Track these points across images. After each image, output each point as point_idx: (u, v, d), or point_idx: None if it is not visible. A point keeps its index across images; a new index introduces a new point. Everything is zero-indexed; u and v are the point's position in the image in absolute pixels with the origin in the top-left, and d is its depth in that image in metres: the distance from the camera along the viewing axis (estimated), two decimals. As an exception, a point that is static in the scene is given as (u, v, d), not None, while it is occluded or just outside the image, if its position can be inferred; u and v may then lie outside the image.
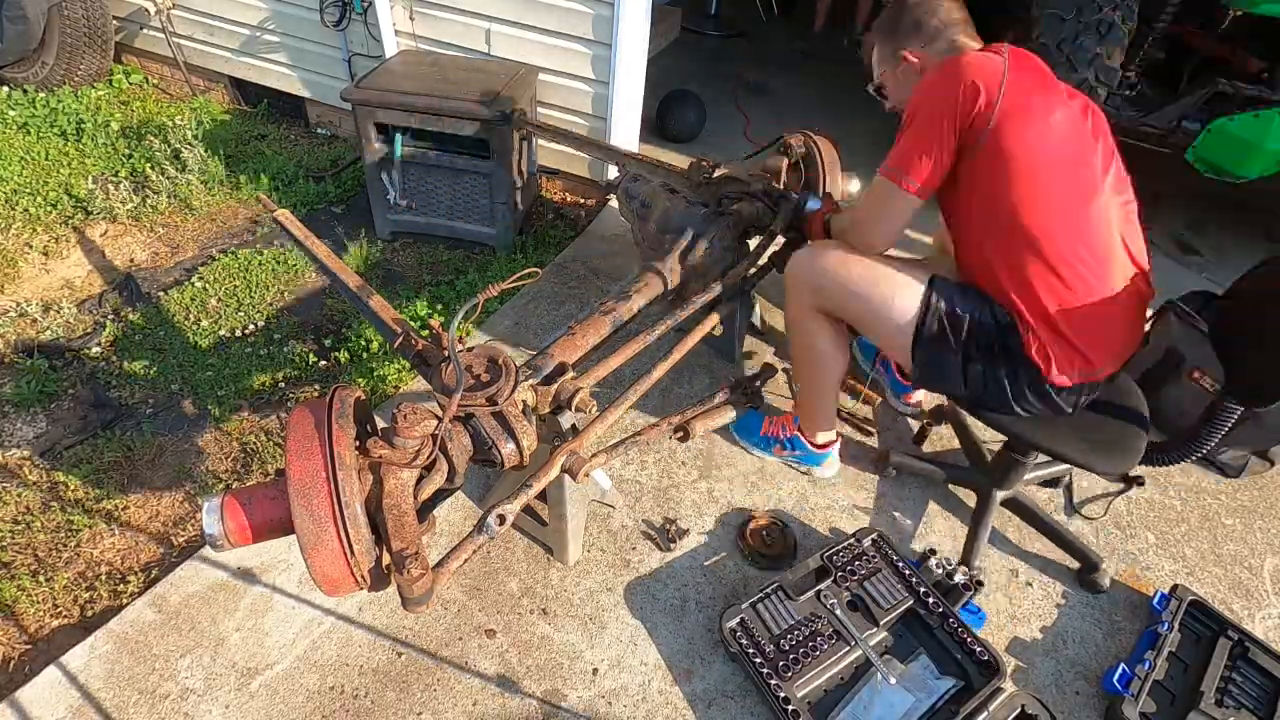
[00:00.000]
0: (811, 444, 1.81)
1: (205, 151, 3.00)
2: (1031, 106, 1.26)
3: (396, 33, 2.84)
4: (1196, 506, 1.92)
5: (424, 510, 1.09)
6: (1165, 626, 1.52)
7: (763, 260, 1.93)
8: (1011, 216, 1.29)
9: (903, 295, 1.42)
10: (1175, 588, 1.60)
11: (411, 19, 2.81)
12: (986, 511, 1.71)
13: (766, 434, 1.89)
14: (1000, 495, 1.73)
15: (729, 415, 1.71)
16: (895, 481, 1.89)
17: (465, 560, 1.12)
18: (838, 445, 1.83)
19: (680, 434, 1.59)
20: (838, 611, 1.49)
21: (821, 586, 1.53)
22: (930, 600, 1.51)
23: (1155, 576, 1.73)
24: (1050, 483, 1.92)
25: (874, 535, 1.63)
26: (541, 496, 1.52)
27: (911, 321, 1.41)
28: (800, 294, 1.57)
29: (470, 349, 1.23)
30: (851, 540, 1.62)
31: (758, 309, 2.24)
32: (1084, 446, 1.41)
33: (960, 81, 1.26)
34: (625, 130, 2.80)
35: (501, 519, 1.14)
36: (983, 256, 1.38)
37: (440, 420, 1.06)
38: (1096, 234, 1.31)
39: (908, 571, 1.56)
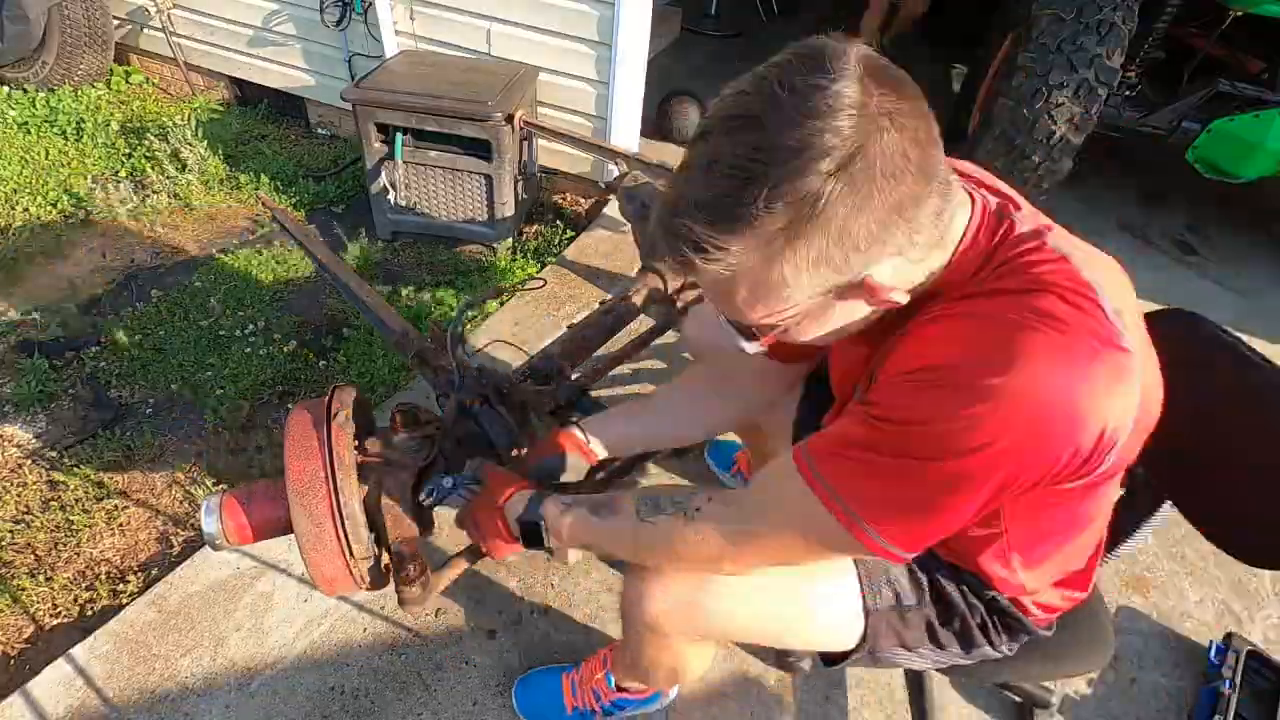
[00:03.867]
0: (645, 690, 1.29)
1: (205, 151, 3.00)
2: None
3: (397, 32, 2.84)
4: (1196, 507, 1.92)
5: (423, 510, 1.09)
6: (1228, 685, 1.43)
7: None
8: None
9: (830, 608, 0.94)
10: (1230, 637, 1.53)
11: (412, 19, 2.81)
12: (921, 688, 1.32)
13: (577, 708, 1.31)
14: None
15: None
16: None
17: (464, 570, 1.13)
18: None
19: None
20: None
21: None
22: None
23: (1156, 577, 1.73)
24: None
25: None
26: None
27: (856, 632, 0.94)
28: (672, 641, 0.99)
29: (470, 349, 1.23)
30: None
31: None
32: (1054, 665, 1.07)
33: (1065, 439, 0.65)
34: (625, 130, 2.80)
35: None
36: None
37: (440, 420, 1.06)
38: None
39: None
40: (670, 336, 2.21)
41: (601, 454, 1.16)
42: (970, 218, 0.73)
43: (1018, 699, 1.43)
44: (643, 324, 1.75)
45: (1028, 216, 0.75)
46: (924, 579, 0.95)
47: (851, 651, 0.95)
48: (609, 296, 1.66)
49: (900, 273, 0.68)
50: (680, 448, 1.77)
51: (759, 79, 0.62)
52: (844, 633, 0.94)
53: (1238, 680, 1.46)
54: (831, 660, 0.98)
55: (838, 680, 1.47)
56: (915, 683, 1.33)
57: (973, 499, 0.68)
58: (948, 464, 0.66)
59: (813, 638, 0.96)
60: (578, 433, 1.14)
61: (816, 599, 0.93)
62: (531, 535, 0.95)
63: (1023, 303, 0.66)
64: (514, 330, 2.29)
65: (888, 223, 0.61)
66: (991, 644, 0.96)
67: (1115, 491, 0.88)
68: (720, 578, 0.89)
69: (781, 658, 1.40)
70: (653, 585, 0.91)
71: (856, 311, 0.72)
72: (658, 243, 0.68)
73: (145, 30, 3.51)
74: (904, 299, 0.69)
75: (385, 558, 1.01)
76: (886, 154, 0.59)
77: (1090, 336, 0.65)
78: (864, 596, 0.93)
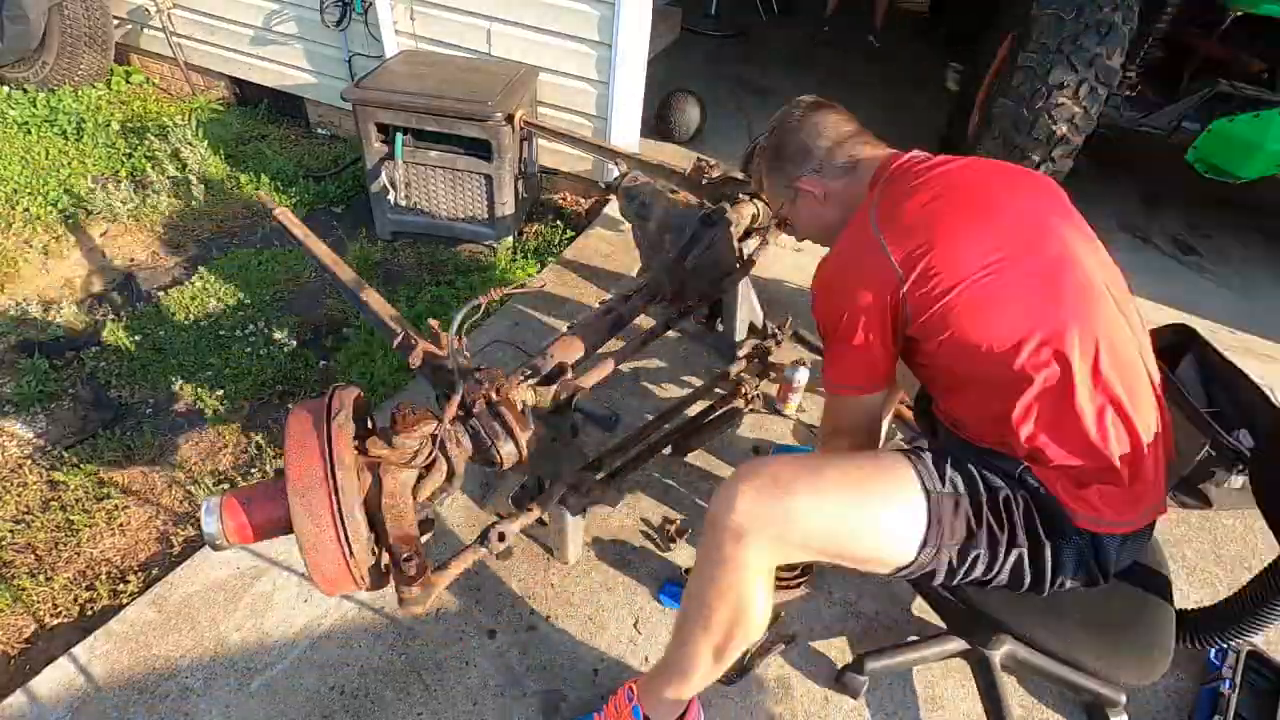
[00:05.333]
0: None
1: (205, 151, 3.00)
2: (962, 255, 1.03)
3: (397, 32, 2.84)
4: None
5: (423, 510, 1.09)
6: (1228, 685, 1.43)
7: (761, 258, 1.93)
8: (996, 366, 1.03)
9: (897, 503, 1.02)
10: None
11: (412, 19, 2.81)
12: (993, 682, 1.35)
13: None
14: (998, 655, 1.37)
15: (730, 423, 1.72)
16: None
17: (464, 570, 1.13)
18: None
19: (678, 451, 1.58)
20: None
21: None
22: None
23: (1155, 577, 1.73)
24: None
25: None
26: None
27: (918, 535, 1.02)
28: (749, 547, 1.00)
29: (470, 349, 1.23)
30: None
31: (758, 309, 2.23)
32: (1103, 650, 1.09)
33: (859, 292, 1.08)
34: (625, 130, 2.80)
35: (502, 536, 1.16)
36: (977, 412, 1.11)
37: (440, 420, 1.06)
38: (1112, 347, 1.03)
39: None
40: (670, 336, 2.21)
41: None
42: (875, 173, 1.22)
43: (1086, 698, 1.45)
44: (643, 324, 1.75)
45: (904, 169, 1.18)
46: (974, 471, 1.05)
47: (920, 548, 1.01)
48: (609, 296, 1.66)
49: (829, 189, 1.27)
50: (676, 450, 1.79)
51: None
52: (909, 529, 1.01)
53: (1238, 680, 1.45)
54: (901, 572, 1.06)
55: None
56: (988, 684, 1.36)
57: (845, 333, 1.11)
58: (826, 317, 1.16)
59: (880, 537, 1.02)
60: None
61: (882, 496, 1.03)
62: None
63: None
64: (514, 330, 2.29)
65: (800, 156, 1.29)
66: (1042, 536, 1.03)
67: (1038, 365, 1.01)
68: (799, 485, 1.00)
69: (841, 677, 1.44)
70: (743, 485, 1.01)
71: (818, 215, 1.31)
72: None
73: (145, 30, 3.51)
74: (819, 193, 1.28)
75: (385, 558, 1.01)
76: (806, 126, 1.30)
77: (857, 245, 1.14)
78: (923, 483, 1.02)
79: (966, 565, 1.03)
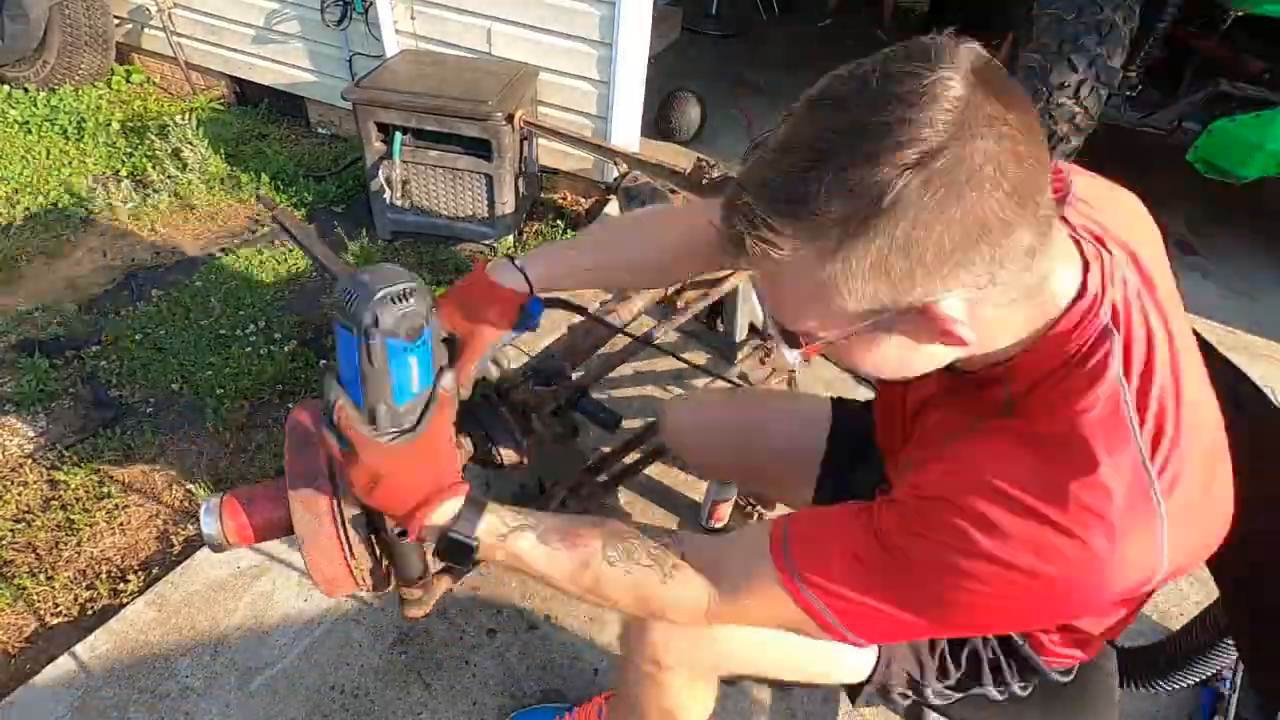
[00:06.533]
0: None
1: (206, 150, 3.00)
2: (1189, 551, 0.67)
3: (397, 32, 2.84)
4: (1196, 507, 1.91)
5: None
6: (1228, 685, 1.42)
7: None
8: None
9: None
10: None
11: (413, 18, 2.81)
12: None
13: None
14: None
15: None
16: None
17: (465, 572, 1.12)
18: None
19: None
20: None
21: None
22: None
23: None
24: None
25: None
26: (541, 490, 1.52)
27: (868, 662, 0.91)
28: (673, 675, 0.88)
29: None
30: None
31: (759, 309, 2.23)
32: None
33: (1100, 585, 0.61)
34: (626, 130, 2.80)
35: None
36: None
37: (440, 421, 1.05)
38: None
39: None
40: (671, 336, 2.21)
41: (543, 286, 0.96)
42: (1080, 285, 0.62)
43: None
44: (643, 324, 1.75)
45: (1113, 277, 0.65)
46: None
47: (863, 684, 0.92)
48: (609, 297, 1.66)
49: (980, 318, 0.58)
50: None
51: (856, 65, 0.55)
52: (854, 663, 0.90)
53: (1238, 680, 1.45)
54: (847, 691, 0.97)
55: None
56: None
57: (955, 631, 0.67)
58: (940, 606, 0.63)
59: (825, 668, 0.91)
60: (507, 271, 0.93)
61: None
62: (456, 553, 0.79)
63: (1056, 468, 0.59)
64: (514, 330, 2.28)
65: (966, 244, 0.52)
66: (1002, 684, 0.91)
67: None
68: (734, 641, 0.84)
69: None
70: (658, 630, 0.85)
71: (915, 355, 0.62)
72: (720, 218, 0.59)
73: (146, 29, 3.51)
74: (970, 337, 0.57)
75: (386, 559, 1.01)
76: (978, 161, 0.50)
77: (1115, 512, 0.58)
78: None
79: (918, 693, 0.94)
